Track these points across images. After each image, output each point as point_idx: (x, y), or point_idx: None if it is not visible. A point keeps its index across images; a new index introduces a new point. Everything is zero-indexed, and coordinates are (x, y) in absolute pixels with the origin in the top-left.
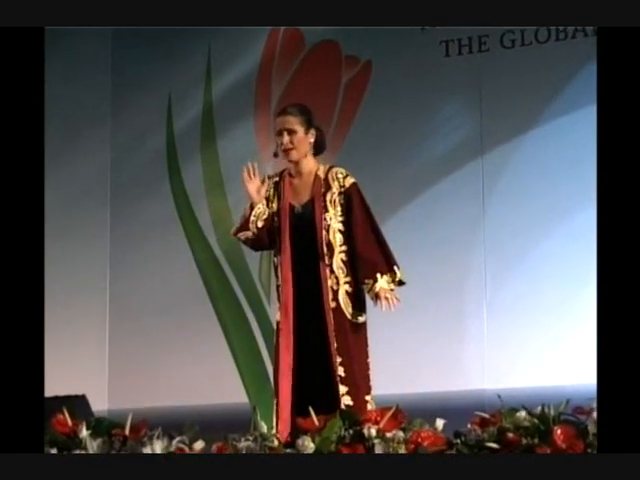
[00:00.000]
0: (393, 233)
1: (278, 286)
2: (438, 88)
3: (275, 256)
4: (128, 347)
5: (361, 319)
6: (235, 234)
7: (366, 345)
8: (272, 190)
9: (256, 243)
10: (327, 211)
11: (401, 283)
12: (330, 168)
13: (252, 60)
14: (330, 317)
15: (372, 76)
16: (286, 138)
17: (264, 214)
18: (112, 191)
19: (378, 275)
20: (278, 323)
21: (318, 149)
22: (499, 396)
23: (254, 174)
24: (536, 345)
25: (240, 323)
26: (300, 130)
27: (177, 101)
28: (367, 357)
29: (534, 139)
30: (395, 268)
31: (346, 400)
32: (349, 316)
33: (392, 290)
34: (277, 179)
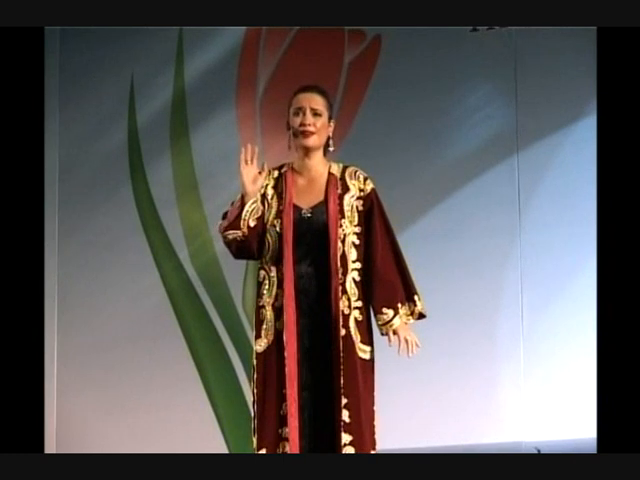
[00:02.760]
0: (408, 248)
1: (260, 307)
2: (463, 69)
3: (262, 268)
4: (78, 389)
5: (370, 355)
6: (224, 231)
7: (373, 389)
8: (269, 187)
9: (242, 247)
10: (343, 217)
11: (421, 316)
12: (345, 167)
13: (234, 36)
14: (339, 346)
15: (381, 54)
16: (310, 118)
17: (257, 212)
18: (61, 198)
19: (399, 305)
20: (260, 354)
21: (327, 147)
22: (538, 450)
23: (252, 159)
24: (583, 389)
25: (218, 359)
26: (325, 115)
27: (141, 86)
28: (373, 404)
29: (582, 131)
30: (415, 298)
31: (349, 451)
32: (358, 350)
33: (406, 323)
34: (277, 174)
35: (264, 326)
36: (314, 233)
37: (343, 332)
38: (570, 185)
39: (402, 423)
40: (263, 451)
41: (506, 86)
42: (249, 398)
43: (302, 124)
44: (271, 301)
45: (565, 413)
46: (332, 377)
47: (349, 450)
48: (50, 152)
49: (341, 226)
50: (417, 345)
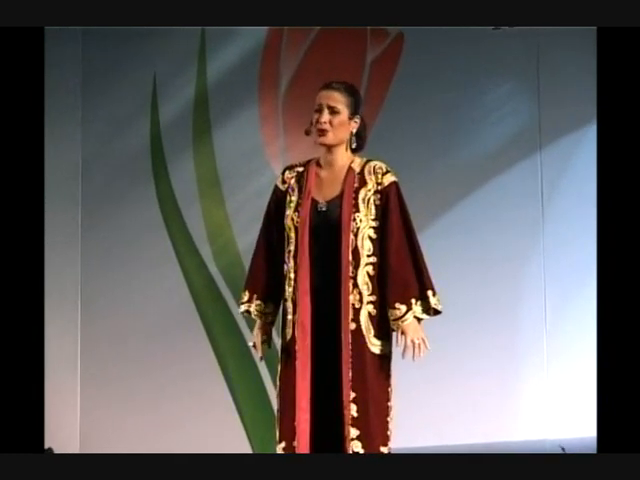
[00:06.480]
0: (430, 245)
1: (285, 301)
2: (486, 67)
3: (285, 262)
4: (101, 386)
5: (384, 350)
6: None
7: (388, 384)
8: (293, 181)
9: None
10: (358, 211)
11: (436, 312)
12: (367, 161)
13: (256, 34)
14: (348, 340)
15: (404, 52)
16: (326, 116)
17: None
18: (84, 197)
19: (413, 301)
20: (284, 347)
21: (358, 144)
22: (563, 449)
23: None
24: None
25: (241, 356)
26: (344, 112)
27: (164, 85)
28: (388, 399)
29: None
30: (429, 294)
31: (355, 446)
32: (369, 344)
33: (421, 320)
34: (301, 169)
35: (287, 319)
36: (328, 227)
37: (353, 326)
38: (593, 180)
39: (422, 420)
40: (283, 444)
41: (529, 82)
42: (271, 394)
43: (317, 122)
44: (292, 294)
45: (589, 409)
46: (341, 370)
47: (356, 445)
48: (71, 154)
49: (354, 220)
50: (426, 347)
